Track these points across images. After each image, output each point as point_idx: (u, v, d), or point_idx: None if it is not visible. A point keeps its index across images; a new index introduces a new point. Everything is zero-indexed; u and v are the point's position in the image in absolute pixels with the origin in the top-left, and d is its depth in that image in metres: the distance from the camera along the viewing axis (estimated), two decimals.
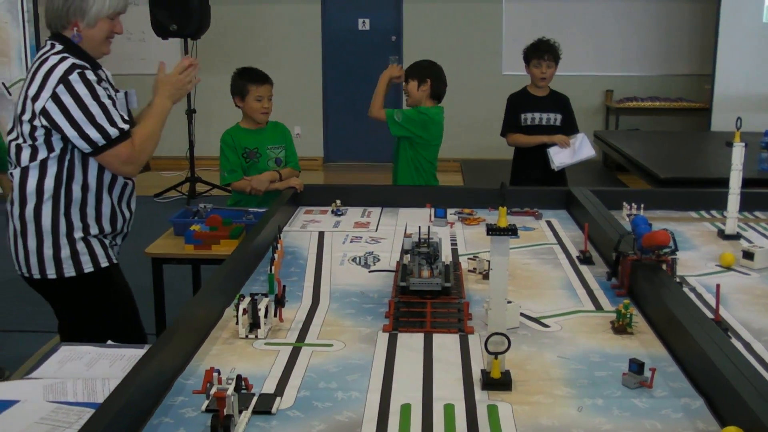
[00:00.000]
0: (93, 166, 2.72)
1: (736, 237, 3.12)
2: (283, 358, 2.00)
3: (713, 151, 6.75)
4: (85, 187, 2.73)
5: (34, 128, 2.62)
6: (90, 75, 2.60)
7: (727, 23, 8.80)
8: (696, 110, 9.71)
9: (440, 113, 4.37)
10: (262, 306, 2.14)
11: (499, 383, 1.82)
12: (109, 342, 2.22)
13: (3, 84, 7.95)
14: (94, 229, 2.79)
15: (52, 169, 2.67)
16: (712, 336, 1.91)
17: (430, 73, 4.39)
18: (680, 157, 6.69)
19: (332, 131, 10.43)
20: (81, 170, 2.71)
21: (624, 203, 3.42)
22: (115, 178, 2.80)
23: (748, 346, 2.10)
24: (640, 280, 2.41)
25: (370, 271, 2.73)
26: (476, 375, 1.89)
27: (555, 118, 4.97)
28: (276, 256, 2.62)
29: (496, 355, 1.82)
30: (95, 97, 2.59)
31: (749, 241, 3.06)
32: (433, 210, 3.39)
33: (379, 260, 2.85)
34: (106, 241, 2.86)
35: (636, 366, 1.84)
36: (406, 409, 1.73)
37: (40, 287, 2.82)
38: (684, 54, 9.92)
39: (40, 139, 2.63)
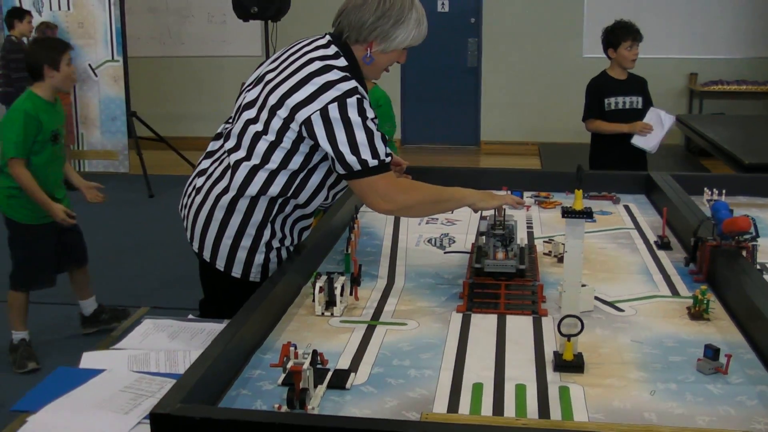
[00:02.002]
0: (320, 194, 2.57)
1: None
2: (358, 336, 2.04)
3: None
4: (299, 203, 2.55)
5: (286, 127, 2.39)
6: (366, 105, 2.40)
7: None
8: None
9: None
10: (338, 284, 2.18)
11: (572, 365, 1.83)
12: (190, 316, 2.29)
13: (89, 65, 8.19)
14: (288, 240, 2.61)
15: (285, 173, 2.45)
16: None
17: None
18: (766, 143, 6.52)
19: (410, 113, 10.45)
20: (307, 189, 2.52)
21: (705, 189, 3.36)
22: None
23: None
24: (719, 266, 2.37)
25: (445, 253, 2.75)
26: (548, 357, 1.90)
27: (637, 101, 4.90)
28: (353, 236, 2.66)
29: (568, 337, 1.83)
30: (364, 123, 2.36)
31: None
32: (509, 193, 3.38)
33: (454, 242, 2.87)
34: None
35: (711, 351, 1.83)
36: (477, 387, 1.75)
37: (209, 272, 2.62)
38: None
39: (287, 141, 2.41)
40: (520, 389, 1.75)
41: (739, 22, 9.63)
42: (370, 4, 2.46)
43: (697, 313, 2.15)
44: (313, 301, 2.18)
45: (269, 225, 2.51)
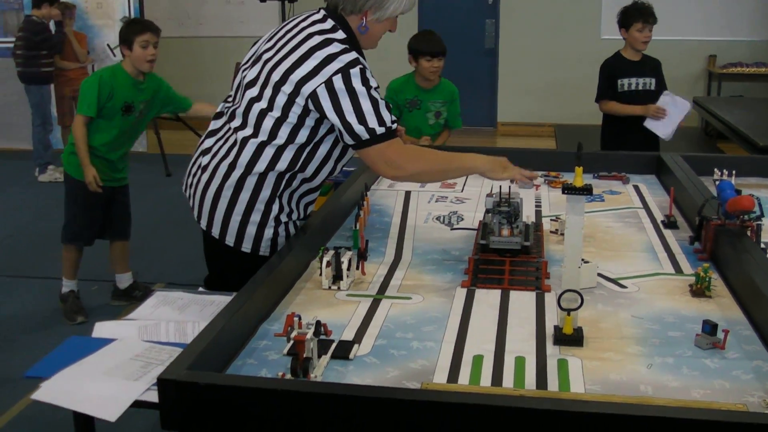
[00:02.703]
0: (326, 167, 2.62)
1: None
2: (363, 309, 2.09)
3: None
4: (306, 177, 2.59)
5: (291, 102, 2.42)
6: (369, 74, 2.44)
7: None
8: None
9: None
10: (345, 259, 2.23)
11: (571, 339, 1.86)
12: (200, 289, 2.34)
13: (108, 45, 8.24)
14: (295, 214, 2.65)
15: (292, 147, 2.49)
16: None
17: None
18: None
19: None
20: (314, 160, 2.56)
21: (715, 169, 3.37)
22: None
23: None
24: (722, 244, 2.39)
25: (452, 229, 2.79)
26: (549, 331, 1.93)
27: (650, 83, 4.89)
28: (362, 213, 2.70)
29: (568, 311, 1.86)
30: (369, 93, 2.40)
31: None
32: None
33: (462, 220, 2.90)
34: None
35: (709, 327, 1.85)
36: (478, 359, 1.79)
37: (218, 248, 2.64)
38: None
39: (293, 116, 2.44)
40: (520, 361, 1.79)
41: (758, 4, 9.55)
42: None
43: (699, 290, 2.17)
44: (320, 275, 2.22)
45: (277, 200, 2.55)
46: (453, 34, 10.04)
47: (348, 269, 2.23)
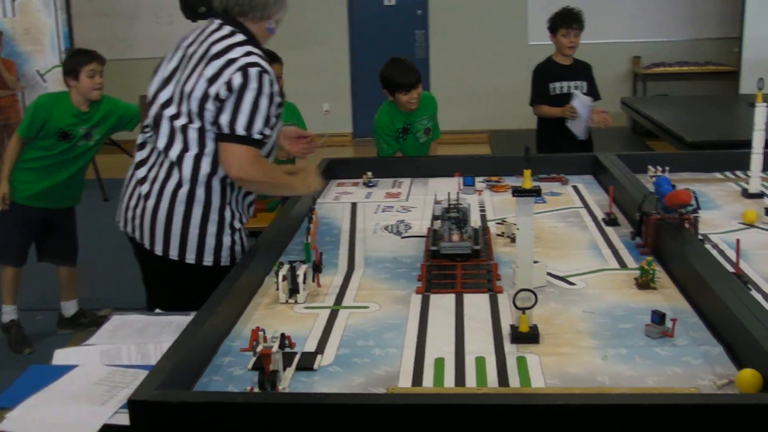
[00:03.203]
0: None
1: (760, 196, 3.18)
2: (322, 320, 2.12)
3: (741, 114, 6.74)
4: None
5: (204, 109, 2.51)
6: (268, 80, 2.52)
7: None
8: (724, 74, 9.67)
9: None
10: (300, 272, 2.26)
11: (527, 336, 1.92)
12: (157, 310, 2.34)
13: (38, 72, 8.12)
14: (244, 218, 2.75)
15: (210, 156, 2.58)
16: (731, 288, 1.99)
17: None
18: (708, 121, 6.70)
19: (361, 106, 10.51)
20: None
21: (649, 166, 3.48)
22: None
23: (767, 297, 2.18)
24: (663, 238, 2.49)
25: (402, 237, 2.84)
26: (506, 330, 1.99)
27: (582, 86, 5.00)
28: (311, 226, 2.73)
29: (523, 310, 1.92)
30: (256, 99, 2.49)
31: None
32: (461, 179, 3.48)
33: (410, 228, 2.96)
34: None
35: (658, 317, 1.93)
36: (439, 362, 1.84)
37: (176, 270, 2.66)
38: (712, 17, 9.86)
39: (207, 123, 2.53)
40: (480, 361, 1.84)
41: (679, 6, 9.85)
42: None
43: (644, 282, 2.26)
44: (277, 289, 2.25)
45: (228, 207, 2.64)
46: (384, 46, 10.14)
47: (304, 282, 2.26)
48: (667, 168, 3.35)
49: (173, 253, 2.63)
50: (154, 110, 2.67)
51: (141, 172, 2.69)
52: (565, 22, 4.91)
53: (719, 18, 9.81)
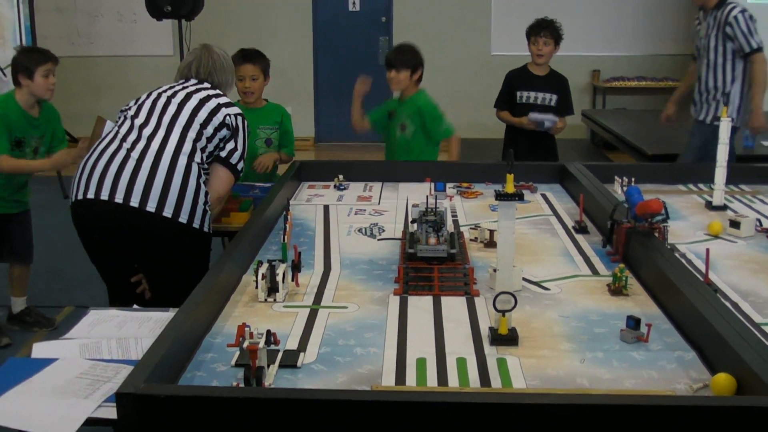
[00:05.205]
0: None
1: (723, 208, 3.27)
2: (302, 319, 2.13)
3: None
4: None
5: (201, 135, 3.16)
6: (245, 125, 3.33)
7: None
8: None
9: None
10: (279, 271, 2.27)
11: (507, 339, 1.96)
12: (135, 306, 2.34)
13: None
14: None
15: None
16: (702, 294, 2.05)
17: (420, 60, 4.49)
18: (667, 135, 6.82)
19: (323, 111, 10.51)
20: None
21: (616, 177, 3.55)
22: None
23: (735, 305, 2.25)
24: (634, 246, 2.55)
25: (378, 239, 2.86)
26: (484, 332, 2.03)
27: (550, 98, 5.06)
28: (287, 226, 2.74)
29: (503, 312, 1.96)
30: (245, 137, 3.31)
31: (735, 212, 3.20)
32: (433, 184, 3.51)
33: (384, 231, 2.98)
34: None
35: (633, 322, 1.98)
36: (421, 362, 1.87)
37: (166, 226, 3.05)
38: (670, 34, 10.04)
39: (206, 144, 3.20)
40: (461, 362, 1.87)
41: (638, 22, 10.02)
42: (226, 66, 3.44)
43: (617, 289, 2.31)
44: (257, 287, 2.26)
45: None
46: (347, 52, 10.18)
47: (283, 281, 2.27)
48: (633, 179, 3.42)
49: (168, 212, 3.01)
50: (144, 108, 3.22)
51: (126, 143, 3.09)
52: (534, 30, 5.00)
53: (677, 34, 10.00)
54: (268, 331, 1.79)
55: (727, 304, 2.17)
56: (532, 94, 5.04)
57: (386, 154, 4.60)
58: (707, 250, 2.44)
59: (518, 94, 5.03)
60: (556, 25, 4.99)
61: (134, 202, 3.00)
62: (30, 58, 4.19)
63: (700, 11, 5.46)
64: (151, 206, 3.00)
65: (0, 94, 4.43)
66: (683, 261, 2.55)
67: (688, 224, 3.08)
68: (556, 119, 4.90)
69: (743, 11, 5.16)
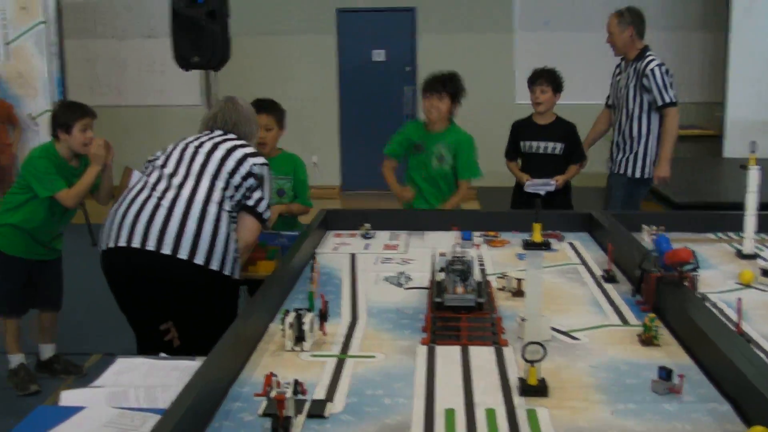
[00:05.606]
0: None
1: (754, 257, 3.23)
2: (330, 368, 2.12)
3: (726, 176, 6.86)
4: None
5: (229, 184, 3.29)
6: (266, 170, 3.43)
7: (736, 51, 8.94)
8: (708, 137, 9.83)
9: None
10: (306, 320, 2.26)
11: (537, 389, 1.93)
12: (163, 354, 2.34)
13: (30, 115, 8.14)
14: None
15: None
16: (736, 345, 2.02)
17: (462, 90, 4.52)
18: (694, 183, 6.81)
19: (349, 159, 10.58)
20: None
21: (643, 225, 3.53)
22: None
23: None
24: (664, 295, 2.52)
25: (405, 288, 2.85)
26: (513, 383, 2.00)
27: (555, 147, 5.09)
28: (314, 274, 2.74)
29: (532, 362, 1.94)
30: (270, 184, 3.45)
31: (766, 261, 3.17)
32: (459, 233, 3.52)
33: (411, 279, 2.97)
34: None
35: (665, 373, 1.95)
36: (450, 413, 1.84)
37: (197, 274, 3.13)
38: (695, 82, 10.06)
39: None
40: (491, 413, 1.84)
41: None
42: (250, 117, 3.61)
43: (648, 339, 2.28)
44: (283, 336, 2.25)
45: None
46: (372, 102, 10.28)
47: (310, 330, 2.27)
48: (662, 227, 3.40)
49: (199, 260, 3.09)
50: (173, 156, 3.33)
51: (157, 192, 3.19)
52: (530, 78, 5.08)
53: (702, 83, 10.01)
54: (296, 381, 1.78)
55: (761, 354, 2.14)
56: (535, 144, 5.10)
57: (413, 184, 4.61)
58: (739, 300, 2.41)
59: (522, 143, 5.09)
60: (553, 73, 5.04)
61: (166, 249, 3.03)
62: (69, 113, 4.30)
63: (621, 60, 5.56)
64: (182, 254, 3.04)
65: (40, 145, 4.53)
66: (715, 310, 2.52)
67: (719, 273, 3.04)
68: (553, 183, 4.95)
69: (660, 65, 5.30)
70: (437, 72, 4.64)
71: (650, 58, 5.31)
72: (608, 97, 5.77)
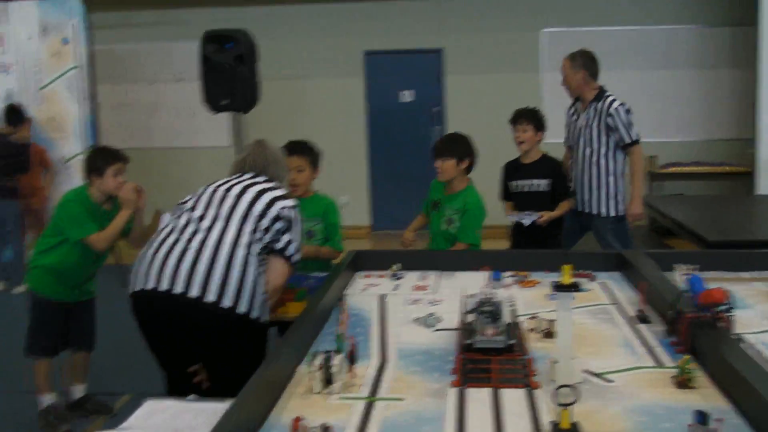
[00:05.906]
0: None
1: None
2: (358, 411, 2.09)
3: (759, 213, 6.78)
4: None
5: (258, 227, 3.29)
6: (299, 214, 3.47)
7: (766, 87, 8.87)
8: (739, 174, 9.75)
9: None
10: (335, 362, 2.24)
11: None
12: (192, 396, 2.33)
13: (63, 158, 8.26)
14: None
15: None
16: None
17: (468, 149, 4.54)
18: (726, 221, 6.72)
19: (378, 200, 10.60)
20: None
21: (675, 265, 3.48)
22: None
23: None
24: (699, 336, 2.47)
25: (435, 330, 2.82)
26: (545, 427, 1.97)
27: (539, 184, 5.11)
28: (342, 316, 2.73)
29: (565, 406, 1.90)
30: (299, 225, 3.45)
31: None
32: (489, 273, 3.49)
33: (441, 321, 2.94)
34: None
35: (701, 417, 1.90)
36: None
37: (225, 317, 3.13)
38: (725, 119, 10.00)
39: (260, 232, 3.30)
40: None
41: (693, 108, 10.01)
42: (279, 160, 3.63)
43: (683, 381, 2.23)
44: (312, 379, 2.23)
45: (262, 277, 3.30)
46: (401, 143, 10.31)
47: (339, 372, 2.25)
48: (697, 266, 3.35)
49: (227, 303, 3.10)
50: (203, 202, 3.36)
51: (185, 235, 3.22)
52: (512, 119, 5.15)
53: (733, 119, 9.95)
54: (324, 425, 1.76)
55: None
56: (521, 183, 5.16)
57: (429, 241, 4.65)
58: None
59: (509, 184, 5.14)
60: (535, 113, 5.10)
61: (193, 293, 3.04)
62: (101, 158, 4.35)
63: (576, 101, 5.59)
64: (210, 297, 3.04)
65: (72, 188, 4.59)
66: (752, 352, 2.46)
67: (755, 313, 2.99)
68: (535, 216, 4.95)
69: (622, 104, 5.44)
70: (445, 135, 4.77)
71: (611, 98, 5.43)
72: (566, 138, 5.80)
